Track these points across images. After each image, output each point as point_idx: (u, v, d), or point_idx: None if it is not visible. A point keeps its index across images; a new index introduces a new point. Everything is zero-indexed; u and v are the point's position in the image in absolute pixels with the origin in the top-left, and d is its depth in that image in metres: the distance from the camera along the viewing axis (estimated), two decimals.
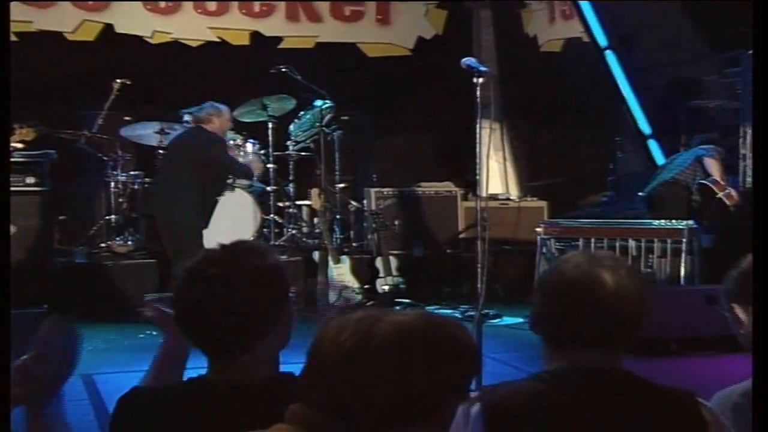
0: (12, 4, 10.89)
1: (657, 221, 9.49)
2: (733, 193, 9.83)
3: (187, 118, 10.07)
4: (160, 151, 10.31)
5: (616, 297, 2.39)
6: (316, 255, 9.91)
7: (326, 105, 10.61)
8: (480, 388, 2.38)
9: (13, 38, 10.87)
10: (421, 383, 1.79)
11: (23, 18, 10.99)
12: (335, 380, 1.81)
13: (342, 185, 10.91)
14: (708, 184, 9.93)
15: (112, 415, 2.53)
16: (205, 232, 9.19)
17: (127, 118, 10.49)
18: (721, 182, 9.87)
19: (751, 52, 10.99)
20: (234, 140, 10.32)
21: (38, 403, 2.49)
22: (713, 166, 9.89)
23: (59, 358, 2.54)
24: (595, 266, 2.46)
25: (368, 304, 9.70)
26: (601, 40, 11.64)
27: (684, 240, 9.01)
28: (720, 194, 9.83)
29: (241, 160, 10.21)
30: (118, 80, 10.16)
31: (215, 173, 9.41)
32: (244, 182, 10.33)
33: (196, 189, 9.20)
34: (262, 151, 10.61)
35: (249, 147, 10.49)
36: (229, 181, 9.83)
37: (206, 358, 2.49)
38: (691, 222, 9.37)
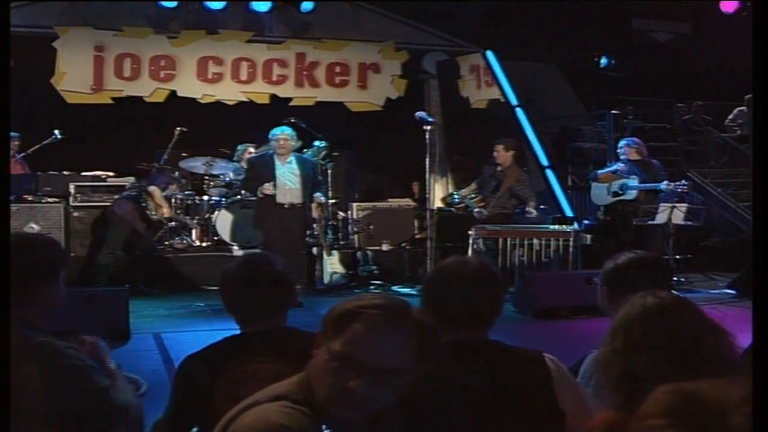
0: (108, 77, 10.93)
1: (552, 226, 9.53)
2: None
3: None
4: (206, 178, 10.33)
5: (476, 295, 2.36)
6: (315, 250, 9.91)
7: (322, 145, 10.62)
8: None
9: (110, 101, 10.93)
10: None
11: (118, 88, 11.02)
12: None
13: (333, 201, 10.89)
14: None
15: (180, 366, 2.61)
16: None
17: (184, 154, 10.48)
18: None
19: (613, 111, 11.17)
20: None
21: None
22: None
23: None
24: (463, 273, 2.42)
25: (351, 284, 9.72)
26: (513, 100, 11.71)
27: (571, 239, 9.09)
28: None
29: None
30: (179, 128, 10.17)
31: None
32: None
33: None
34: None
35: None
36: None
37: (244, 321, 2.61)
38: (575, 226, 9.43)
